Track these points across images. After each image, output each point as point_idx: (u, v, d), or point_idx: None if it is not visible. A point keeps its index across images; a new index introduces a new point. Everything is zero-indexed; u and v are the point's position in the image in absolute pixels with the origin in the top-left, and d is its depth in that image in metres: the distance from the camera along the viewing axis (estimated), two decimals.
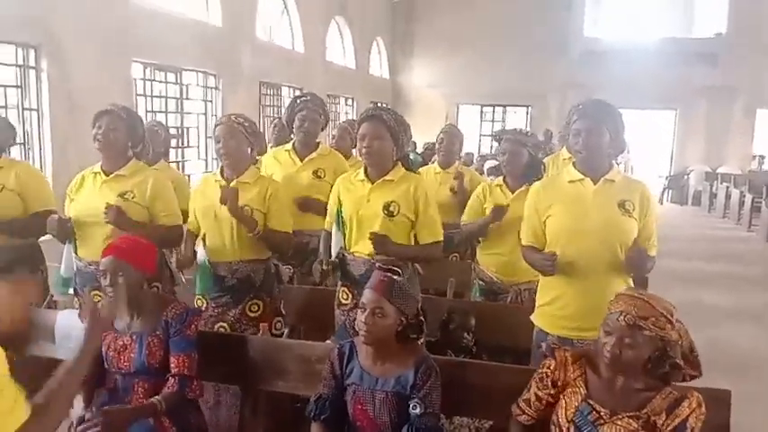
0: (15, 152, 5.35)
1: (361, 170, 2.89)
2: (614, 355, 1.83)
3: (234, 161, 2.93)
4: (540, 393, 2.02)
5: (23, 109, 5.45)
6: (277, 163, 3.82)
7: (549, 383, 2.00)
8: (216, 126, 2.97)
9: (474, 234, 3.62)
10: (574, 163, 2.62)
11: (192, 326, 2.40)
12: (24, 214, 3.20)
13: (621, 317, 1.83)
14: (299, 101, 3.84)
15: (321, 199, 3.50)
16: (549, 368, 2.01)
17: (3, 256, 3.15)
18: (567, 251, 2.45)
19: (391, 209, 2.74)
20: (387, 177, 2.80)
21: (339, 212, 2.85)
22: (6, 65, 5.41)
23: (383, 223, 2.73)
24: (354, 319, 2.30)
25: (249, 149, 2.99)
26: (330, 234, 2.94)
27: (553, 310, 2.57)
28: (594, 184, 2.51)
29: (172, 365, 2.33)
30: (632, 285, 2.48)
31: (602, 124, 2.45)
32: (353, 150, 4.81)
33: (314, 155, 3.77)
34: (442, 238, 2.88)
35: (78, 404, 2.35)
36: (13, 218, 3.14)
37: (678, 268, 7.52)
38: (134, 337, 2.35)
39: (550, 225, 2.56)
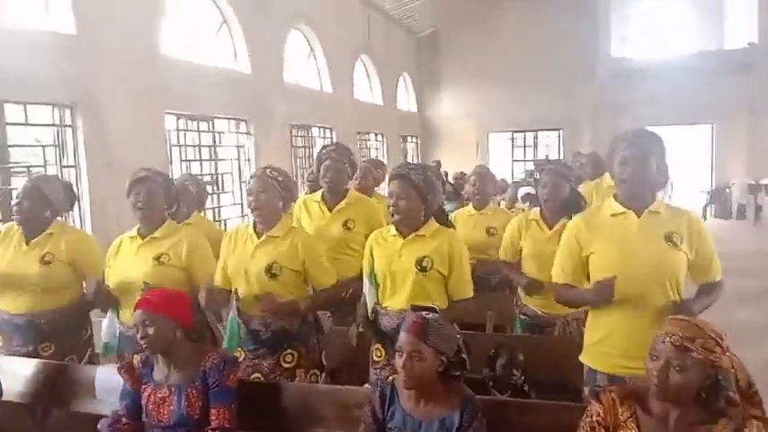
0: None
1: (393, 226, 2.86)
2: (661, 381, 1.73)
3: (265, 214, 2.92)
4: None
5: (62, 167, 5.62)
6: (307, 214, 3.80)
7: (603, 431, 1.87)
8: (250, 178, 2.98)
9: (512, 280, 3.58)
10: (615, 195, 2.50)
11: (231, 376, 2.36)
12: (76, 281, 3.23)
13: (667, 338, 1.74)
14: (324, 150, 3.82)
15: (352, 256, 3.54)
16: (598, 415, 1.89)
17: (37, 320, 3.17)
18: (616, 289, 2.32)
19: (424, 264, 2.69)
20: (419, 233, 2.76)
21: (372, 269, 2.82)
22: (44, 125, 5.61)
23: (416, 278, 2.69)
24: (387, 377, 2.23)
25: (281, 203, 2.99)
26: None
27: (603, 348, 2.45)
28: (638, 216, 2.40)
29: (212, 418, 2.29)
30: None
31: (650, 154, 2.35)
32: (376, 188, 4.83)
33: (342, 204, 3.72)
34: (472, 295, 2.82)
35: None
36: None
37: (729, 286, 7.21)
38: (172, 389, 2.33)
39: (594, 263, 2.45)
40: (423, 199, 2.73)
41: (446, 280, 2.76)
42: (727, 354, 1.75)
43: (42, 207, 3.21)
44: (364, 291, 2.93)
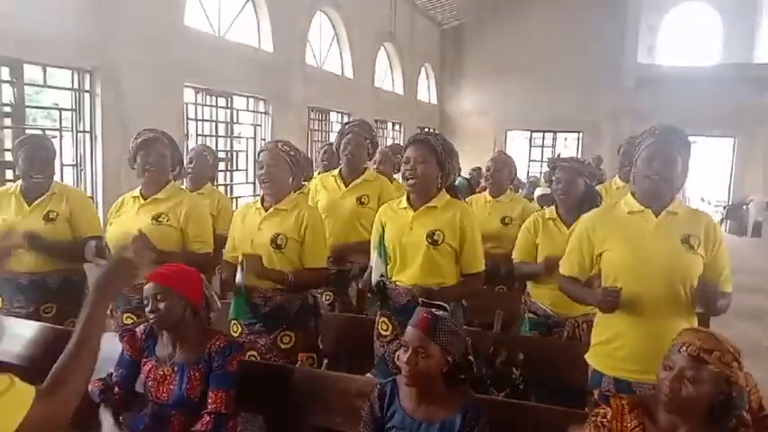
0: (69, 174, 5.50)
1: (404, 198, 2.80)
2: (673, 391, 1.66)
3: (274, 187, 2.89)
4: None
5: (77, 131, 5.60)
6: (323, 188, 3.80)
7: None
8: (261, 151, 2.94)
9: (527, 278, 3.46)
10: (633, 192, 2.43)
11: (234, 361, 2.31)
12: (72, 239, 3.25)
13: (684, 348, 1.67)
14: (347, 126, 3.83)
15: (363, 232, 3.48)
16: (604, 417, 1.83)
17: (50, 281, 3.21)
18: (627, 288, 2.25)
19: (435, 237, 2.64)
20: (430, 204, 2.70)
21: (382, 240, 2.75)
22: (63, 88, 5.58)
23: (426, 252, 2.63)
24: (394, 351, 2.17)
25: (291, 178, 2.94)
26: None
27: (610, 350, 2.38)
28: (656, 216, 2.33)
29: (209, 401, 2.23)
30: (696, 326, 2.28)
31: (677, 151, 2.29)
32: (395, 175, 4.76)
33: (359, 180, 3.73)
34: (483, 269, 2.76)
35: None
36: (56, 241, 3.17)
37: (742, 304, 7.10)
38: (175, 369, 2.28)
39: (607, 260, 2.38)
40: (440, 165, 2.67)
41: (457, 253, 2.70)
42: (744, 371, 1.68)
43: (53, 167, 3.28)
44: (371, 264, 2.88)
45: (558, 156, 3.82)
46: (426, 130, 16.71)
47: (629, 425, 1.78)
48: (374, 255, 2.80)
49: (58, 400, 1.29)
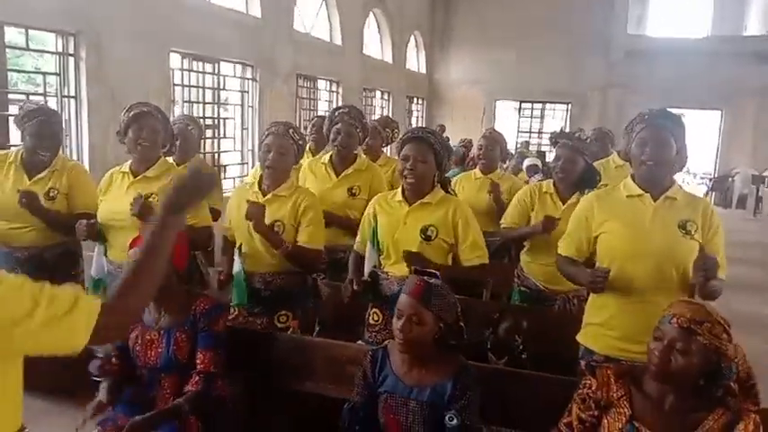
0: None
1: (399, 191, 2.80)
2: (663, 361, 1.69)
3: (277, 174, 2.87)
4: (582, 416, 1.85)
5: (62, 96, 5.49)
6: (313, 176, 3.72)
7: (593, 404, 1.83)
8: (268, 134, 2.87)
9: (515, 240, 3.47)
10: (632, 176, 2.43)
11: (220, 321, 2.34)
12: (68, 212, 3.19)
13: (675, 320, 1.70)
14: (337, 113, 3.71)
15: (353, 217, 3.43)
16: (590, 388, 1.85)
17: (44, 254, 3.18)
18: (622, 272, 2.29)
19: (429, 233, 2.65)
20: (425, 200, 2.71)
21: (375, 232, 2.75)
22: (47, 52, 5.46)
23: (420, 247, 2.64)
24: (383, 340, 2.19)
25: (294, 166, 2.96)
26: (358, 255, 2.87)
27: (602, 330, 2.42)
28: (654, 200, 2.34)
29: (197, 361, 2.26)
30: None
31: (671, 135, 2.28)
32: (384, 148, 4.72)
33: (350, 170, 3.64)
34: (486, 261, 2.77)
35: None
36: (51, 211, 3.12)
37: (731, 275, 7.20)
38: (162, 333, 2.30)
39: (603, 242, 2.40)
40: (438, 164, 2.69)
41: (453, 249, 2.72)
42: (733, 342, 1.70)
43: (59, 143, 3.23)
44: (357, 250, 2.90)
45: (561, 131, 3.78)
46: (415, 99, 16.62)
47: (614, 394, 1.81)
48: (368, 245, 2.78)
49: (126, 306, 1.34)
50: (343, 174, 3.64)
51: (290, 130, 2.87)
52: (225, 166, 8.33)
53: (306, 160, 3.91)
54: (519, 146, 13.19)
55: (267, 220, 2.77)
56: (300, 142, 2.89)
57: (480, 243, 2.75)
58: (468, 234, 2.71)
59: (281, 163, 2.84)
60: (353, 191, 3.60)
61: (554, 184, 3.37)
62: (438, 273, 2.18)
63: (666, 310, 1.77)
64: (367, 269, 2.76)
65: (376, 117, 10.62)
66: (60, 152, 3.30)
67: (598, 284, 2.29)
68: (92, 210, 3.12)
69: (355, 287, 2.71)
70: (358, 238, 2.92)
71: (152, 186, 2.90)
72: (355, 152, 3.75)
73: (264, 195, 2.87)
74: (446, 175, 2.89)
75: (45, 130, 3.09)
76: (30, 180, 3.12)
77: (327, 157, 3.74)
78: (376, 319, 2.79)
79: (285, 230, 2.81)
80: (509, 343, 2.87)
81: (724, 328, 1.69)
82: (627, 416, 1.77)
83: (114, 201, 2.95)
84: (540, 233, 3.18)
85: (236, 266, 2.82)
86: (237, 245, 2.87)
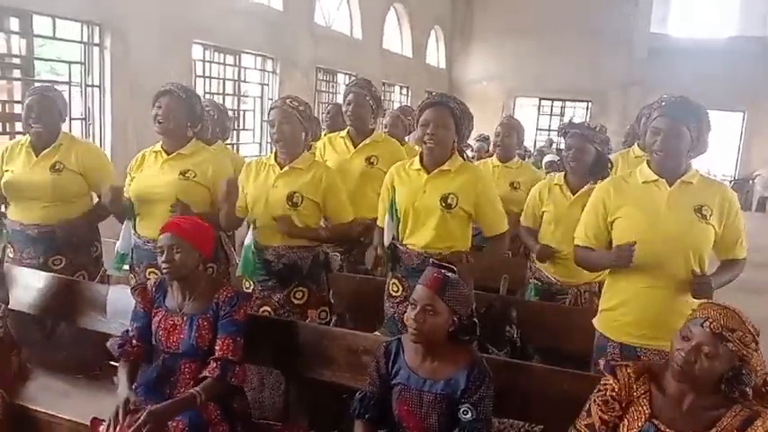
0: (77, 128, 5.49)
1: (416, 159, 2.78)
2: (688, 363, 1.68)
3: (288, 146, 2.87)
4: (605, 417, 1.83)
5: (86, 86, 5.56)
6: (332, 149, 3.76)
7: (617, 406, 1.82)
8: (270, 109, 2.91)
9: (528, 246, 3.55)
10: (648, 162, 2.43)
11: (242, 310, 2.36)
12: (88, 192, 3.33)
13: (707, 323, 1.68)
14: (348, 87, 3.78)
15: (372, 195, 3.43)
16: (613, 390, 1.84)
17: (60, 232, 3.25)
18: (637, 256, 2.27)
19: (449, 201, 2.63)
20: (444, 167, 2.68)
21: (393, 202, 2.75)
22: (72, 41, 5.53)
23: (440, 216, 2.63)
24: (404, 312, 2.20)
25: (304, 134, 2.92)
26: (381, 230, 2.87)
27: (617, 315, 2.42)
28: (670, 186, 2.33)
29: (216, 348, 2.28)
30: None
31: (684, 125, 2.27)
32: (407, 138, 4.72)
33: (368, 141, 3.68)
34: (507, 228, 2.78)
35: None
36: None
37: (746, 278, 7.09)
38: (185, 318, 2.33)
39: (619, 228, 2.39)
40: (458, 129, 2.66)
41: (475, 218, 2.71)
42: (759, 351, 1.70)
43: (57, 117, 3.27)
44: (381, 224, 2.90)
45: (570, 121, 3.77)
46: (434, 94, 16.54)
47: (635, 393, 1.81)
48: (386, 216, 2.79)
49: None
50: (360, 144, 3.67)
51: (288, 100, 2.88)
52: (244, 157, 8.36)
53: (324, 140, 3.95)
54: (542, 143, 13.14)
55: (286, 191, 2.80)
56: (301, 108, 2.86)
57: (501, 211, 2.78)
58: (493, 202, 2.72)
59: (286, 131, 2.83)
60: (371, 160, 3.61)
61: (564, 176, 3.37)
62: (454, 268, 2.16)
63: (697, 312, 1.74)
64: (387, 240, 2.77)
65: None
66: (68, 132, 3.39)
67: (625, 259, 2.27)
68: (111, 182, 3.18)
69: (379, 252, 2.74)
70: (380, 212, 2.93)
71: (187, 164, 2.97)
72: (372, 126, 3.77)
73: (282, 168, 2.88)
74: None
75: (36, 105, 3.17)
76: (36, 156, 3.21)
77: (345, 131, 3.79)
78: (395, 290, 2.81)
79: (303, 202, 2.82)
80: (502, 333, 2.88)
81: (753, 338, 1.68)
82: (646, 414, 1.77)
83: (148, 177, 2.99)
84: (536, 253, 3.33)
85: (248, 239, 2.84)
86: (252, 218, 2.88)
